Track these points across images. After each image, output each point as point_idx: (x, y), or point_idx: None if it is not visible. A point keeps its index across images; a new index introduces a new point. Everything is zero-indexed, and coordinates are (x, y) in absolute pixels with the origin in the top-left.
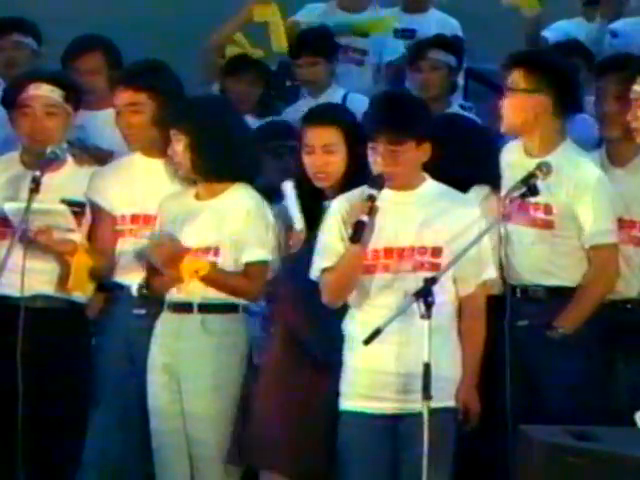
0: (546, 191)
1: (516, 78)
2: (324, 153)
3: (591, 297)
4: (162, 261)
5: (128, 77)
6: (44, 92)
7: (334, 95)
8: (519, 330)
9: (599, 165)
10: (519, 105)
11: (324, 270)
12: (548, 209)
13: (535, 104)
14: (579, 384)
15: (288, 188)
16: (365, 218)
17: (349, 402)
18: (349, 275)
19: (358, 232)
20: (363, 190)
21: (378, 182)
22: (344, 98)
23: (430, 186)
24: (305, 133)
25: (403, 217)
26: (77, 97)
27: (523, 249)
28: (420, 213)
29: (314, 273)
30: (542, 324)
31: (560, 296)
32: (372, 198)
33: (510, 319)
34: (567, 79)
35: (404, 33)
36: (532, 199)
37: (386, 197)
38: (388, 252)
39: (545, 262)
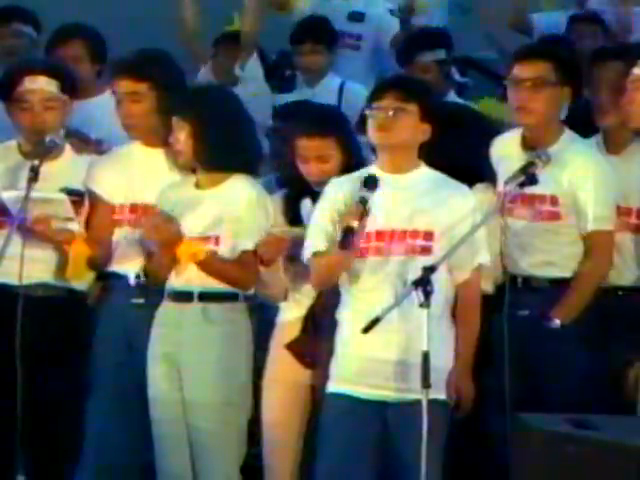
0: (551, 182)
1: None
2: (318, 163)
3: (586, 286)
4: (159, 242)
5: (129, 66)
6: (41, 86)
7: (331, 84)
8: (519, 320)
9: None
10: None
11: (315, 253)
12: (554, 200)
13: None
14: (579, 373)
15: (307, 205)
16: (355, 224)
17: (336, 385)
18: (336, 272)
19: (347, 238)
20: (362, 173)
21: (372, 183)
22: (340, 87)
23: (424, 171)
24: (296, 142)
25: (396, 200)
26: (73, 85)
27: (527, 241)
28: (413, 197)
29: (305, 255)
30: (542, 314)
31: (562, 286)
32: (364, 201)
33: (509, 309)
34: (577, 69)
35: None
36: (537, 192)
37: (380, 179)
38: (380, 235)
39: (549, 254)
